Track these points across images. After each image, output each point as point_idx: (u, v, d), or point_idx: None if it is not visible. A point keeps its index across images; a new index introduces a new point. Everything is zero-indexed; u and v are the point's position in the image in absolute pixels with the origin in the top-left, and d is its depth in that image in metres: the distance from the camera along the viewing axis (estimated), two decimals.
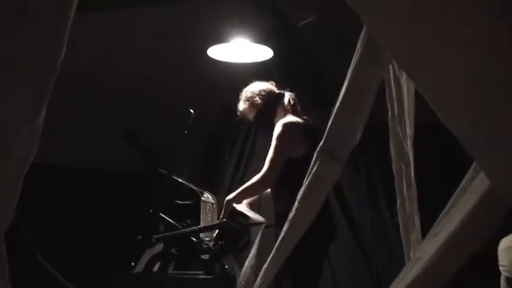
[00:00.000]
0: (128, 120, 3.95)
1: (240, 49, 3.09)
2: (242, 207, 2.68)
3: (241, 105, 2.74)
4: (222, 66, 3.31)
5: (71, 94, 2.98)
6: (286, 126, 2.52)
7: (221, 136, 4.36)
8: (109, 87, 3.82)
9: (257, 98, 2.69)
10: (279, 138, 2.50)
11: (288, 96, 2.71)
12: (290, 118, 2.59)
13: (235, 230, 2.55)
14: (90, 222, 3.88)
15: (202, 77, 3.67)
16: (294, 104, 2.69)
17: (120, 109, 3.95)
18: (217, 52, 3.09)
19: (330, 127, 1.56)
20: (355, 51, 1.55)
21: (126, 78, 3.79)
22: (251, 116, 2.73)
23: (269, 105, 2.68)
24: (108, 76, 3.71)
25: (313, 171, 1.54)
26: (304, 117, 2.62)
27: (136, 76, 3.78)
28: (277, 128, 2.52)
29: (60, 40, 1.03)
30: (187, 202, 2.79)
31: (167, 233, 2.57)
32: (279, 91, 2.73)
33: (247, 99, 2.72)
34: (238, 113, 2.75)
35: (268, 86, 2.74)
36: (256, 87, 2.73)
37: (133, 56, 3.58)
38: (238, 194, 2.58)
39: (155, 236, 2.55)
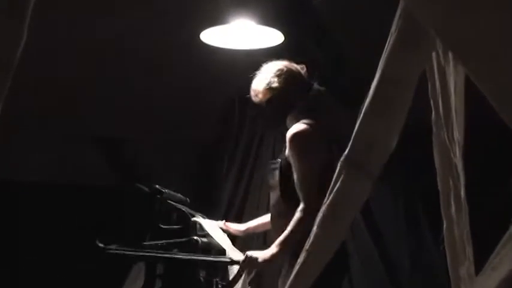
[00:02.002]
0: (99, 127, 3.98)
1: (241, 33, 3.11)
2: (218, 234, 2.68)
3: (257, 84, 2.74)
4: (219, 54, 3.33)
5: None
6: (303, 135, 2.55)
7: (217, 143, 4.38)
8: (72, 86, 3.84)
9: (276, 79, 2.69)
10: (301, 154, 2.52)
11: (316, 90, 2.71)
12: (308, 124, 2.61)
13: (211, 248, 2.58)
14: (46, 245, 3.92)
15: (193, 68, 3.69)
16: (320, 103, 2.72)
17: (89, 113, 3.97)
18: (213, 36, 3.10)
19: (356, 132, 1.56)
20: (389, 36, 1.55)
21: (97, 77, 3.81)
22: (264, 99, 2.71)
23: (290, 91, 2.67)
24: (70, 72, 3.74)
25: (335, 188, 1.54)
26: (324, 120, 2.63)
27: (111, 73, 3.80)
28: (294, 140, 2.53)
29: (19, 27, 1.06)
30: (175, 227, 2.79)
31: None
32: (308, 80, 2.74)
33: (266, 77, 2.71)
34: (251, 91, 2.74)
35: (296, 68, 2.75)
36: (280, 65, 2.73)
37: (103, 46, 3.61)
38: (278, 247, 2.52)
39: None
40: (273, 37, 3.14)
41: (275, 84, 2.70)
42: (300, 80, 2.73)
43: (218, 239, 2.71)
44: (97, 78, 3.83)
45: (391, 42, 1.54)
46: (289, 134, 2.59)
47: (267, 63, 2.78)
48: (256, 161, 4.05)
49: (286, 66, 2.74)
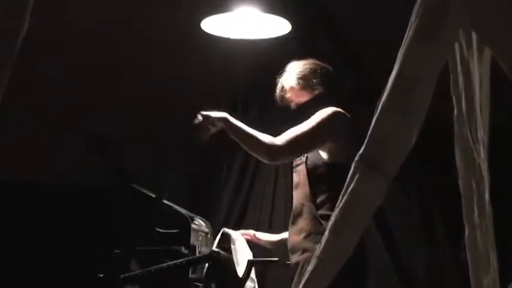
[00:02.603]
0: (92, 123, 3.98)
1: (245, 21, 3.10)
2: (238, 236, 2.68)
3: (289, 81, 2.72)
4: (221, 45, 3.32)
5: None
6: (337, 114, 2.57)
7: (217, 145, 4.37)
8: (62, 83, 3.83)
9: (317, 80, 2.69)
10: (324, 118, 2.53)
11: (347, 84, 2.70)
12: (343, 111, 2.62)
13: (231, 264, 2.56)
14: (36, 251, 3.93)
15: (193, 60, 3.68)
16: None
17: (81, 109, 3.97)
18: (215, 25, 3.10)
19: (372, 130, 1.55)
20: (408, 26, 1.54)
21: (88, 68, 3.81)
22: (293, 98, 2.70)
23: (330, 94, 2.67)
24: (58, 68, 3.74)
25: (349, 188, 1.54)
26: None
27: (102, 67, 3.80)
28: (325, 111, 2.55)
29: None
30: (173, 231, 2.79)
31: (140, 271, 2.58)
32: (339, 76, 2.75)
33: (302, 76, 2.70)
34: (278, 89, 2.72)
35: (327, 66, 2.75)
36: (313, 64, 2.73)
37: (93, 38, 3.61)
38: (233, 123, 2.54)
39: (123, 275, 2.57)
40: (280, 26, 3.13)
41: (316, 85, 2.70)
42: (336, 79, 2.74)
43: (241, 254, 2.69)
44: (88, 73, 3.82)
45: (410, 33, 1.54)
46: (327, 109, 2.59)
47: (292, 61, 2.77)
48: (259, 165, 4.05)
49: (319, 65, 2.74)
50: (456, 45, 1.66)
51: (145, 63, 3.87)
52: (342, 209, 1.54)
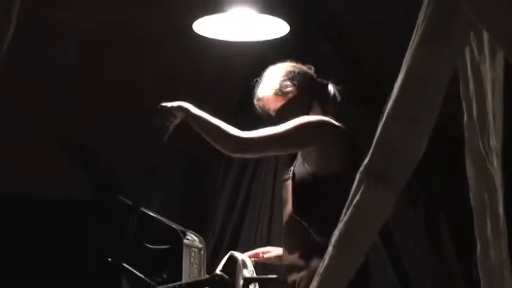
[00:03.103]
0: (72, 130, 3.96)
1: (240, 22, 3.11)
2: (247, 261, 2.67)
3: (263, 91, 2.75)
4: (215, 48, 3.33)
5: None
6: (321, 122, 2.57)
7: (211, 152, 4.37)
8: (39, 82, 3.82)
9: (288, 83, 2.69)
10: (302, 124, 2.54)
11: (333, 89, 2.72)
12: (330, 119, 2.62)
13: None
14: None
15: (184, 64, 3.68)
16: (336, 103, 2.72)
17: (59, 114, 3.95)
18: (208, 27, 3.10)
19: (378, 138, 1.55)
20: (415, 27, 1.54)
21: (69, 69, 3.80)
22: (274, 108, 2.73)
23: (304, 97, 2.69)
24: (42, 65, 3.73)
25: (354, 201, 1.53)
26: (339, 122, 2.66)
27: (86, 67, 3.79)
28: (305, 118, 2.57)
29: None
30: (163, 247, 2.78)
31: None
32: (320, 79, 2.76)
33: (273, 83, 2.74)
34: (255, 101, 2.74)
35: (308, 68, 2.76)
36: (289, 66, 2.75)
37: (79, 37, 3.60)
38: (195, 113, 2.55)
39: None
40: (277, 28, 3.14)
41: (288, 89, 2.71)
42: (314, 81, 2.76)
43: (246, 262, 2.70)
44: (68, 73, 3.81)
45: (417, 34, 1.54)
46: (310, 117, 2.61)
47: (270, 66, 2.81)
48: (257, 170, 4.04)
49: (296, 67, 2.76)
50: (466, 49, 1.66)
51: (133, 66, 3.86)
52: (346, 223, 1.54)
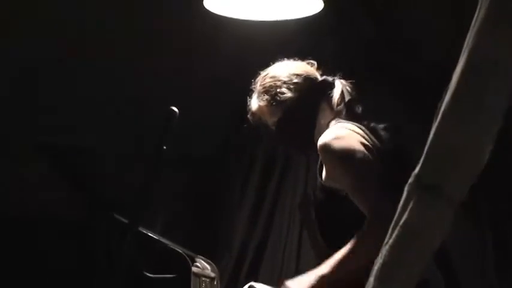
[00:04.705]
0: (49, 129, 4.00)
1: None
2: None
3: (255, 102, 2.78)
4: (230, 29, 3.32)
5: None
6: (337, 140, 2.55)
7: (226, 158, 4.38)
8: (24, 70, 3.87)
9: (284, 89, 2.72)
10: (343, 158, 2.53)
11: (340, 86, 2.74)
12: (342, 128, 2.62)
13: None
14: None
15: (193, 49, 3.70)
16: (351, 102, 2.69)
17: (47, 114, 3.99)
18: (222, 3, 3.10)
19: (432, 142, 1.54)
20: (478, 6, 1.53)
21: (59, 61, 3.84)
22: (272, 121, 2.76)
23: (306, 103, 2.70)
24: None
25: (401, 221, 1.53)
26: (372, 124, 2.64)
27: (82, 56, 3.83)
28: (328, 148, 2.54)
29: None
30: (166, 276, 2.79)
31: None
32: (323, 77, 2.75)
33: (266, 91, 2.75)
34: (250, 116, 2.78)
35: (305, 67, 2.78)
36: (284, 69, 2.78)
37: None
38: (330, 268, 2.54)
39: None
40: (308, 4, 3.14)
41: (285, 96, 2.73)
42: (316, 81, 2.77)
43: None
44: (59, 62, 3.85)
45: (480, 16, 1.53)
46: (320, 142, 2.59)
47: (260, 73, 2.83)
48: (281, 186, 4.05)
49: (291, 68, 2.78)
50: None
51: (137, 52, 3.89)
52: (391, 248, 1.53)
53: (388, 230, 2.45)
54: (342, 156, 2.53)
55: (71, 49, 3.85)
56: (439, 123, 1.54)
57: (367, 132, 2.62)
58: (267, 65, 2.83)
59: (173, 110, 2.38)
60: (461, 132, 1.53)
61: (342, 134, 2.59)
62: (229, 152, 4.42)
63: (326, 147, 2.57)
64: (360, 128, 2.63)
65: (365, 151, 2.55)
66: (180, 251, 2.84)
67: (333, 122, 2.71)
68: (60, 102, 4.03)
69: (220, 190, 4.40)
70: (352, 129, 2.61)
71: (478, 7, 1.54)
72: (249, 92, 2.81)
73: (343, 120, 2.68)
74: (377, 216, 2.45)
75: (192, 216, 4.33)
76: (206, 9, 3.10)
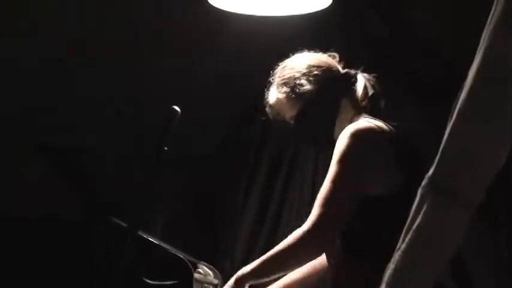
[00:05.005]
0: (49, 129, 4.00)
1: None
2: None
3: (273, 95, 2.77)
4: (236, 24, 3.33)
5: None
6: (358, 135, 2.53)
7: (228, 158, 4.38)
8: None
9: (304, 81, 2.71)
10: (343, 157, 2.51)
11: (363, 80, 2.72)
12: (365, 122, 2.58)
13: None
14: None
15: (196, 45, 3.69)
16: (375, 96, 2.68)
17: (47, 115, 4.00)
18: None
19: (446, 143, 1.54)
20: (493, 9, 1.53)
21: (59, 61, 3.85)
22: (290, 115, 2.74)
23: (327, 96, 2.68)
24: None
25: (414, 225, 1.52)
26: (393, 123, 2.62)
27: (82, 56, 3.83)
28: (342, 140, 2.53)
29: None
30: (167, 282, 2.79)
31: None
32: (346, 70, 2.73)
33: (285, 82, 2.73)
34: (268, 109, 2.76)
35: (326, 59, 2.76)
36: (304, 60, 2.76)
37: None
38: (260, 266, 2.60)
39: None
40: (315, 0, 3.13)
41: (304, 88, 2.71)
42: (338, 73, 2.75)
43: None
44: (59, 62, 3.86)
45: (496, 14, 1.53)
46: (342, 133, 2.56)
47: (279, 64, 2.82)
48: (288, 187, 4.04)
49: (312, 59, 2.77)
50: None
51: (135, 54, 3.90)
52: (404, 254, 1.52)
53: (326, 240, 2.49)
54: (341, 156, 2.50)
55: (71, 49, 3.85)
56: (455, 122, 1.53)
57: (391, 130, 2.59)
58: (272, 63, 2.82)
59: (175, 109, 2.38)
60: (478, 132, 1.52)
61: (361, 130, 2.54)
62: (231, 151, 4.41)
63: (342, 138, 2.53)
64: (386, 125, 2.60)
65: (375, 155, 2.53)
66: (182, 257, 2.83)
67: (357, 118, 2.68)
68: (60, 102, 4.03)
69: (222, 191, 4.40)
70: (375, 126, 2.56)
71: (494, 4, 1.54)
72: (267, 85, 2.79)
73: (369, 117, 2.64)
74: (320, 223, 2.46)
75: (193, 220, 4.33)
76: (209, 4, 3.09)
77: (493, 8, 1.53)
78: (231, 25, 3.41)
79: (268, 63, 2.83)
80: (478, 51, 1.55)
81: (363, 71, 2.79)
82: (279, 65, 2.80)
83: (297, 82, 2.72)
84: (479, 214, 1.58)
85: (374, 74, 2.76)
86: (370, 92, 2.71)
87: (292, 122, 2.75)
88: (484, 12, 1.57)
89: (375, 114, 2.65)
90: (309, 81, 2.71)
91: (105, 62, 3.91)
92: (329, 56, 2.80)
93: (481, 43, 1.54)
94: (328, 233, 2.52)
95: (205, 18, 3.37)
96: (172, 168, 3.57)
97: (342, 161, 2.49)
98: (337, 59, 2.81)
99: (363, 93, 2.71)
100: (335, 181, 2.48)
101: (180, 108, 2.35)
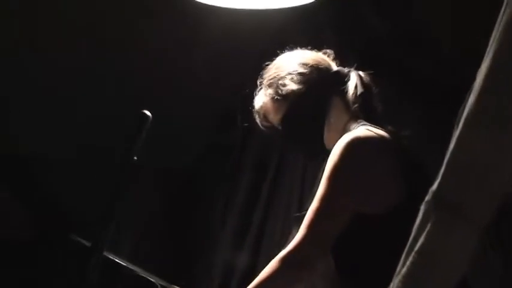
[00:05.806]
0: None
1: None
2: None
3: (260, 98, 2.76)
4: (220, 18, 3.33)
5: None
6: (355, 145, 2.53)
7: (207, 169, 4.39)
8: None
9: (287, 81, 2.71)
10: (335, 171, 2.51)
11: (355, 79, 2.71)
12: (365, 131, 2.59)
13: None
14: None
15: (179, 42, 3.71)
16: (370, 96, 2.70)
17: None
18: None
19: (452, 155, 1.55)
20: (502, 10, 1.55)
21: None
22: (277, 118, 2.74)
23: (313, 97, 2.66)
24: None
25: (417, 245, 1.53)
26: (391, 128, 2.62)
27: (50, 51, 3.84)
28: (336, 150, 2.53)
29: None
30: None
31: None
32: (338, 68, 2.71)
33: (270, 84, 2.73)
34: (255, 115, 2.75)
35: (316, 57, 2.75)
36: (291, 58, 2.75)
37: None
38: None
39: None
40: None
41: (287, 88, 2.72)
42: (328, 72, 2.76)
43: None
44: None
45: (505, 17, 1.54)
46: (337, 143, 2.55)
47: (267, 63, 2.84)
48: (272, 202, 4.05)
49: (300, 57, 2.78)
50: None
51: (115, 44, 3.92)
52: (406, 277, 1.54)
53: (309, 264, 2.50)
54: (332, 170, 2.50)
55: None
56: (462, 131, 1.54)
57: (390, 136, 2.58)
58: (257, 65, 2.83)
59: (145, 113, 2.36)
60: (488, 143, 1.53)
61: (358, 139, 2.55)
62: (210, 163, 4.42)
63: (336, 148, 2.53)
64: (384, 131, 2.59)
65: (374, 168, 2.54)
66: (152, 280, 2.83)
67: (354, 125, 2.68)
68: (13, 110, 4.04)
69: (199, 208, 4.41)
70: (372, 134, 2.56)
71: (504, 5, 1.55)
72: (255, 88, 2.81)
73: (368, 124, 2.64)
74: (305, 246, 2.49)
75: (167, 239, 4.33)
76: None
77: (502, 10, 1.55)
78: (211, 20, 3.42)
79: (253, 63, 2.83)
80: (486, 54, 1.56)
81: (357, 69, 2.78)
82: (267, 63, 2.82)
83: (280, 82, 2.72)
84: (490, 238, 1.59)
85: (369, 71, 2.75)
86: (360, 90, 2.69)
87: (279, 126, 2.75)
88: (484, 12, 1.58)
89: (373, 121, 2.64)
90: (293, 81, 2.72)
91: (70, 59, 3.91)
92: (323, 53, 2.81)
93: (489, 45, 1.56)
94: (311, 257, 2.53)
95: (183, 14, 3.38)
96: (144, 181, 3.59)
97: (333, 176, 2.49)
98: (332, 56, 2.81)
99: (353, 92, 2.70)
100: (323, 199, 2.50)
101: (151, 113, 2.33)
